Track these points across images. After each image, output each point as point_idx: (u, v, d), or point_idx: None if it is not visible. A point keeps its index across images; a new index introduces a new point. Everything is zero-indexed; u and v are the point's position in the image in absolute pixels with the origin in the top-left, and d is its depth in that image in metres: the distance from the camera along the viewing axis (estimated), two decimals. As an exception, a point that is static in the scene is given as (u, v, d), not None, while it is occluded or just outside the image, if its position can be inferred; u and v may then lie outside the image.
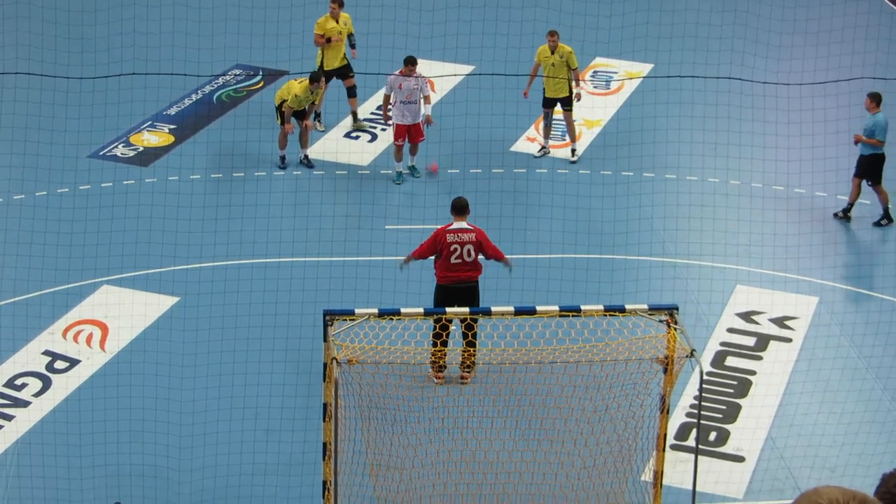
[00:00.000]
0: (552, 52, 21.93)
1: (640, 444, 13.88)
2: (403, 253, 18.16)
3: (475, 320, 14.43)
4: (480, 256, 16.28)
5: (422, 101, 21.17)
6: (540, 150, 22.48)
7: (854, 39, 21.41)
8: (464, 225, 16.20)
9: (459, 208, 16.34)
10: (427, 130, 21.40)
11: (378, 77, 22.05)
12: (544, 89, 22.05)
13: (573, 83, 22.00)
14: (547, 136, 22.44)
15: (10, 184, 19.98)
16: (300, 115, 21.51)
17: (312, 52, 23.48)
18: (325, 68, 22.72)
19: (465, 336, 14.87)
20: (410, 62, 21.04)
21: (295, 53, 23.35)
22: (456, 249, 16.04)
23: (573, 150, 22.31)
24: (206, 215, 19.47)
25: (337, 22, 22.79)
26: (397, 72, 21.28)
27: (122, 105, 22.02)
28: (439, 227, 16.50)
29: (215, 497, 14.54)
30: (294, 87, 21.35)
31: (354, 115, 23.34)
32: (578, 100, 22.17)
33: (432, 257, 16.38)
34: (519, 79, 21.55)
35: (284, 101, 21.41)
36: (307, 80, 21.27)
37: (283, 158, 21.70)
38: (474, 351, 15.19)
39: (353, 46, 23.10)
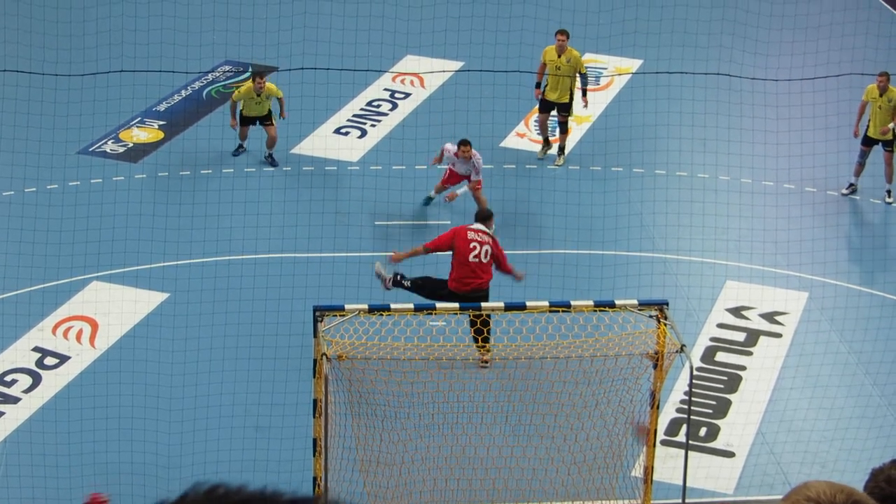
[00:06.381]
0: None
1: (631, 439, 13.89)
2: (392, 248, 18.13)
3: (489, 317, 14.71)
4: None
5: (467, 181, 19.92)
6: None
7: (843, 35, 21.45)
8: (483, 228, 16.57)
9: (485, 217, 16.79)
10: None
11: (367, 73, 22.01)
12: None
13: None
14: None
15: (0, 181, 19.94)
16: (265, 119, 21.42)
17: (301, 48, 23.43)
18: (544, 98, 21.66)
19: (479, 332, 14.86)
20: (465, 143, 19.51)
21: (283, 50, 23.30)
22: (475, 248, 16.40)
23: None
24: (196, 212, 19.44)
25: (559, 56, 21.54)
26: (454, 149, 19.66)
27: (112, 101, 21.96)
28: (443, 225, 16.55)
29: (205, 494, 14.50)
30: (243, 85, 21.45)
31: (561, 149, 21.99)
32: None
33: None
34: (508, 75, 21.45)
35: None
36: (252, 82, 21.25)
37: (240, 146, 21.70)
38: (489, 346, 15.32)
39: (583, 93, 21.58)
